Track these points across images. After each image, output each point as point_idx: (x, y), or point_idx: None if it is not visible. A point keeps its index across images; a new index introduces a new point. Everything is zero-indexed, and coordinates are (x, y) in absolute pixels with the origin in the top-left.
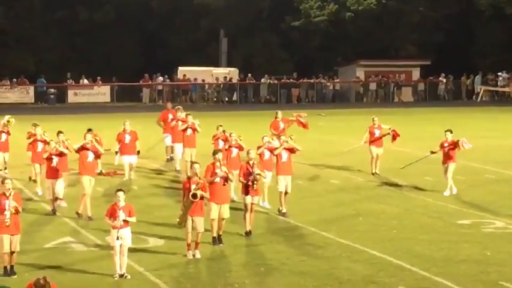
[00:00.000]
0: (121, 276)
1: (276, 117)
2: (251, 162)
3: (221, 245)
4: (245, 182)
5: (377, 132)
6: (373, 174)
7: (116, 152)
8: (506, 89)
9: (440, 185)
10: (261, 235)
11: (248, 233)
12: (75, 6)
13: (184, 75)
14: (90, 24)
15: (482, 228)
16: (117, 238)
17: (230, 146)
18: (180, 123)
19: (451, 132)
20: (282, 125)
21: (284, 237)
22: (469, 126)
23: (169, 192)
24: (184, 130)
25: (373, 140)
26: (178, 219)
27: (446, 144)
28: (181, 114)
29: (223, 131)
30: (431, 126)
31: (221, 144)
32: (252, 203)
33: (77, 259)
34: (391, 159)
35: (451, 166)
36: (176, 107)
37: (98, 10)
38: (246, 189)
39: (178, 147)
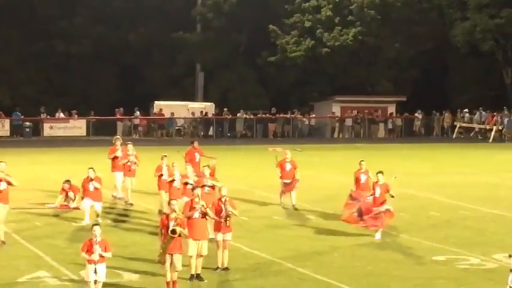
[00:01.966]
0: None
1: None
2: (223, 199)
3: (205, 281)
4: (217, 219)
5: (363, 178)
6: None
7: (82, 197)
8: (483, 126)
9: (416, 220)
10: (236, 270)
11: (224, 269)
12: (53, 39)
13: (161, 110)
14: (67, 57)
15: (456, 265)
16: (95, 272)
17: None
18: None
19: (382, 173)
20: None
21: (260, 272)
22: (445, 162)
23: (142, 227)
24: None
25: (359, 187)
26: (158, 258)
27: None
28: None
29: (172, 163)
30: (407, 161)
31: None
32: (224, 240)
33: None
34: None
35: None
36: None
37: (75, 43)
38: (218, 226)
39: (119, 175)
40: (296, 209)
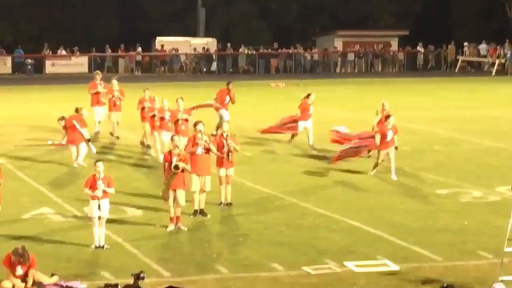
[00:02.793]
0: (100, 247)
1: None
2: (225, 135)
3: (208, 216)
4: (220, 154)
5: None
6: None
7: (88, 140)
8: (487, 60)
9: (419, 154)
10: (239, 205)
11: (227, 204)
12: None
13: (162, 46)
14: None
15: (459, 198)
16: (98, 208)
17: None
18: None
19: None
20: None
21: (263, 207)
22: (447, 96)
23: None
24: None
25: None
26: (161, 194)
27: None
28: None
29: (154, 97)
30: (410, 96)
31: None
32: (227, 175)
33: (55, 229)
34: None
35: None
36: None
37: None
38: (220, 162)
39: (98, 110)
40: (315, 149)
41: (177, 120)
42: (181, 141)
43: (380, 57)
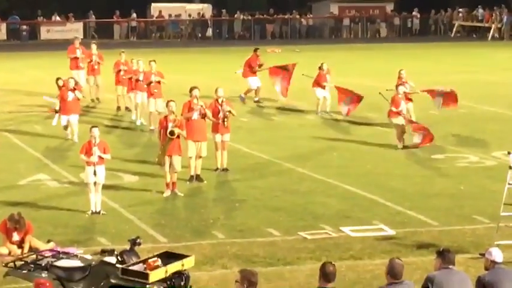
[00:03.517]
0: (97, 213)
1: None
2: (220, 100)
3: (205, 182)
4: (215, 120)
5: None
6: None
7: (56, 111)
8: (486, 25)
9: (415, 119)
10: (236, 171)
11: (223, 170)
12: None
13: (160, 12)
14: None
15: (456, 163)
16: (94, 174)
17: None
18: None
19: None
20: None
21: (259, 173)
22: (443, 61)
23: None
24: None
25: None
26: (156, 159)
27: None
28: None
29: (131, 59)
30: (406, 61)
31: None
32: (222, 141)
33: (51, 195)
34: (369, 95)
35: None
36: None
37: None
38: (216, 127)
39: (76, 73)
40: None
41: (150, 82)
42: (157, 104)
43: (375, 23)
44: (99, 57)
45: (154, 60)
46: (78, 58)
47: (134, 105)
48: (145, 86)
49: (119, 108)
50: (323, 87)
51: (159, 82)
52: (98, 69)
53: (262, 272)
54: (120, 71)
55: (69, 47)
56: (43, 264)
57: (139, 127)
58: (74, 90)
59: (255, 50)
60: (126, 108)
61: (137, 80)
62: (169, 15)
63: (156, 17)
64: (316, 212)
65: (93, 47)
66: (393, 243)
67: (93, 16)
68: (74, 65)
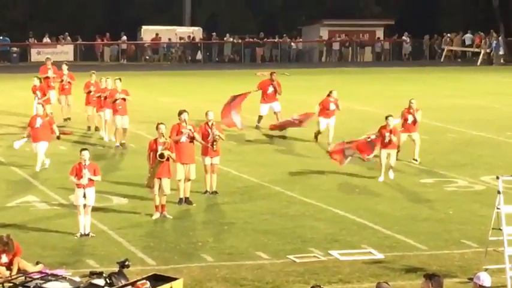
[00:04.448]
0: (86, 235)
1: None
2: (210, 123)
3: (194, 204)
4: (204, 143)
5: (410, 119)
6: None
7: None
8: (476, 50)
9: (404, 143)
10: (225, 194)
11: (213, 193)
12: None
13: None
14: None
15: (444, 187)
16: (84, 196)
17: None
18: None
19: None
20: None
21: (248, 196)
22: (433, 85)
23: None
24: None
25: (406, 127)
26: (146, 182)
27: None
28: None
29: (100, 79)
30: (395, 85)
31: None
32: (212, 164)
33: (40, 217)
34: (355, 119)
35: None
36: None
37: None
38: (205, 150)
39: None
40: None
41: (115, 99)
42: (123, 120)
43: (365, 47)
44: (70, 77)
45: (119, 78)
46: (49, 78)
47: (103, 123)
48: (112, 103)
49: (89, 128)
50: (328, 115)
51: (124, 99)
52: (68, 89)
53: None
54: (90, 91)
55: (41, 67)
56: (32, 286)
57: (107, 143)
58: (43, 116)
59: (271, 74)
60: (96, 128)
61: (105, 98)
62: (160, 38)
63: (146, 40)
64: (305, 236)
65: (64, 67)
66: (382, 267)
67: (80, 39)
68: (46, 85)
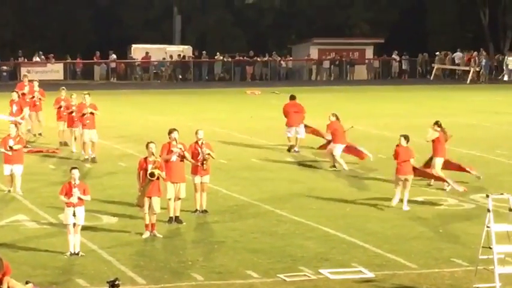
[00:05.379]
0: (75, 254)
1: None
2: (200, 142)
3: (184, 223)
4: (194, 162)
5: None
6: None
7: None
8: (466, 68)
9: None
10: (215, 213)
11: (203, 211)
12: None
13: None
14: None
15: (434, 206)
16: (73, 215)
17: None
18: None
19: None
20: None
21: (238, 214)
22: (422, 104)
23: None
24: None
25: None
26: (136, 201)
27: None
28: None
29: (71, 95)
30: (385, 103)
31: None
32: (202, 183)
33: (30, 237)
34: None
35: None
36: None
37: None
38: (195, 169)
39: (26, 110)
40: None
41: (84, 114)
42: (91, 134)
43: (355, 65)
44: (41, 94)
45: (88, 93)
46: (25, 94)
47: (72, 138)
48: (80, 117)
49: (61, 143)
50: (342, 142)
51: (92, 113)
52: (39, 106)
53: None
54: (60, 107)
55: (19, 84)
56: None
57: (76, 156)
58: (15, 137)
59: (292, 98)
60: (65, 143)
61: (71, 113)
62: (150, 57)
63: (137, 58)
64: (295, 254)
65: (35, 83)
66: (372, 286)
67: (69, 58)
68: (23, 100)
